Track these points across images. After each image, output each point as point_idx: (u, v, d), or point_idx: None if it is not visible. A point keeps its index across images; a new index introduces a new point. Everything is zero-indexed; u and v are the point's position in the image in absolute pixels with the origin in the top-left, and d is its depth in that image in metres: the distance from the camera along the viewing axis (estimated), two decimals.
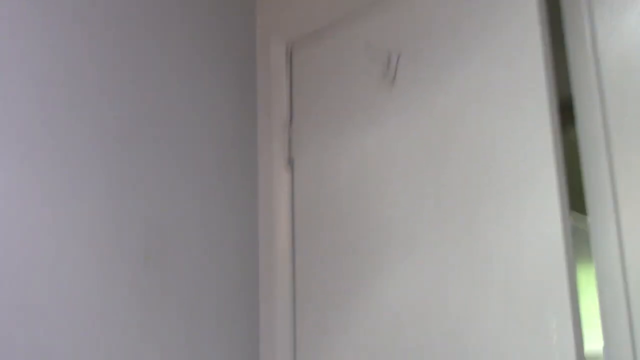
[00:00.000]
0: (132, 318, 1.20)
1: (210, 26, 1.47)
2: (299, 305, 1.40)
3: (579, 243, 1.43)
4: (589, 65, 1.13)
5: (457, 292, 1.16)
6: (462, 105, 1.21)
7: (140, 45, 1.32)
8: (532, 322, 1.05)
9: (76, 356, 1.11)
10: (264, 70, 1.56)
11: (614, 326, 1.06)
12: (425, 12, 1.29)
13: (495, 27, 1.19)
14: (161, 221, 1.29)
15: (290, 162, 1.47)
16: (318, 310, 1.36)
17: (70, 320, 1.11)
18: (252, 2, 1.59)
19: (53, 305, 1.09)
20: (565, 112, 1.16)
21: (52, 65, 1.16)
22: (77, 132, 1.18)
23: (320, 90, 1.46)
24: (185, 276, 1.31)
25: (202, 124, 1.41)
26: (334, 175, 1.39)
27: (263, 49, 1.57)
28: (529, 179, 1.10)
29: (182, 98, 1.38)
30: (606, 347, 1.06)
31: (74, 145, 1.18)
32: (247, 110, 1.54)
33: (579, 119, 1.14)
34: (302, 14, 1.51)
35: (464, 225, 1.17)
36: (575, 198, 1.16)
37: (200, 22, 1.45)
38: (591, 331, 1.27)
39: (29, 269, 1.07)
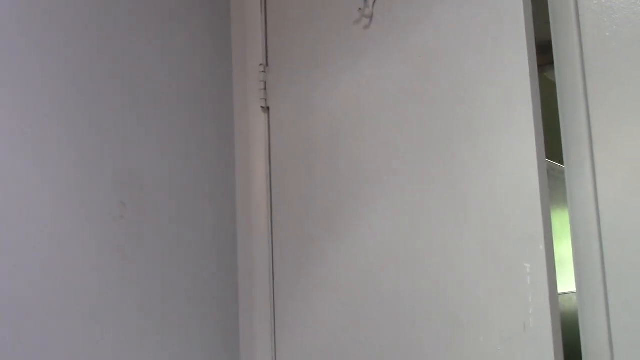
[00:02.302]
0: (106, 267, 1.19)
1: None
2: (277, 251, 1.40)
3: (554, 189, 1.44)
4: (568, 6, 1.12)
5: (434, 235, 1.16)
6: (440, 46, 1.19)
7: None
8: (507, 265, 1.07)
9: (49, 305, 1.10)
10: (238, 14, 1.52)
11: (586, 269, 1.07)
12: None
13: None
14: (136, 170, 1.26)
15: (267, 107, 1.45)
16: (295, 255, 1.37)
17: (43, 270, 1.09)
18: None
19: (24, 255, 1.07)
20: (544, 55, 1.16)
21: (18, 2, 1.12)
22: (48, 82, 1.14)
23: (296, 34, 1.43)
24: (161, 225, 1.29)
25: (176, 71, 1.38)
26: (310, 119, 1.37)
27: None
28: (506, 122, 1.10)
29: (155, 44, 1.34)
30: (579, 289, 1.08)
31: (45, 94, 1.14)
32: (222, 56, 1.50)
33: (557, 61, 1.13)
34: None
35: (441, 169, 1.17)
36: (551, 146, 1.16)
37: None
38: (564, 274, 1.30)
39: None
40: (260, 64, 1.47)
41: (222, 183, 1.45)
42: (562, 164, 1.13)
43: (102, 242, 1.19)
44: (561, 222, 1.32)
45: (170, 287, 1.29)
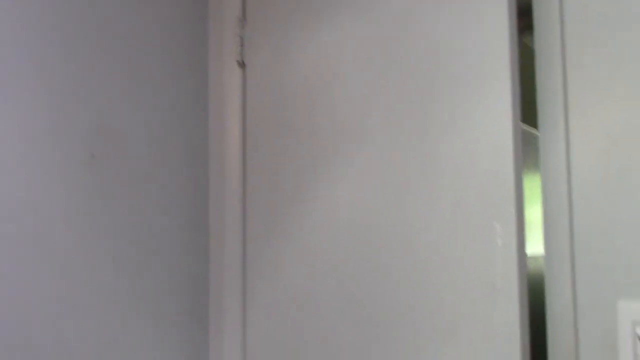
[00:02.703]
0: (76, 219, 1.17)
1: None
2: (249, 206, 1.40)
3: (527, 153, 1.45)
4: None
5: (407, 194, 1.17)
6: (419, 5, 1.18)
7: None
8: (478, 226, 1.08)
9: (19, 255, 1.08)
10: None
11: (555, 233, 1.09)
12: None
13: None
14: (107, 123, 1.24)
15: (242, 62, 1.43)
16: (268, 213, 1.37)
17: (11, 221, 1.08)
18: None
19: None
20: (524, 18, 1.15)
21: None
22: (21, 34, 1.11)
23: None
24: (132, 178, 1.28)
25: (150, 24, 1.35)
26: (287, 76, 1.36)
27: None
28: (484, 83, 1.10)
29: None
30: (547, 251, 1.10)
31: (19, 46, 1.10)
32: (198, 9, 1.47)
33: (536, 25, 1.13)
34: None
35: (416, 128, 1.17)
36: (526, 110, 1.16)
37: None
38: (533, 237, 1.32)
39: None
40: (238, 18, 1.44)
41: (195, 138, 1.43)
42: (537, 129, 1.14)
43: (72, 194, 1.17)
44: (532, 186, 1.34)
45: (141, 240, 1.28)
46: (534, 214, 1.28)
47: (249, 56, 1.42)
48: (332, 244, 1.26)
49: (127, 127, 1.28)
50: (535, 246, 1.30)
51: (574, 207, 1.08)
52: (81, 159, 1.19)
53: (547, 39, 1.11)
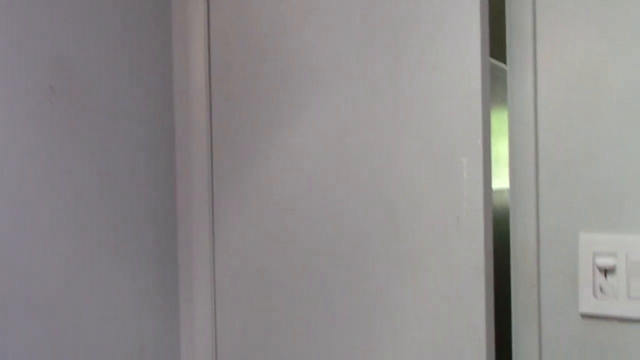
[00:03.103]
0: (37, 151, 1.14)
1: None
2: (216, 142, 1.38)
3: (495, 88, 1.45)
4: None
5: (375, 130, 1.16)
6: None
7: None
8: (445, 159, 1.08)
9: None
10: None
11: (521, 166, 1.10)
12: None
13: None
14: (66, 55, 1.19)
15: None
16: (235, 149, 1.35)
17: None
18: None
19: None
20: None
21: None
22: None
23: None
24: (94, 112, 1.24)
25: None
26: (254, 13, 1.32)
27: None
28: (453, 19, 1.08)
29: None
30: (512, 185, 1.11)
31: None
32: None
33: None
34: None
35: (384, 63, 1.15)
36: (495, 45, 1.15)
37: None
38: (499, 172, 1.33)
39: None
40: None
41: (158, 73, 1.39)
42: (505, 64, 1.14)
43: (32, 127, 1.14)
44: (499, 121, 1.34)
45: (105, 177, 1.26)
46: (500, 148, 1.29)
47: None
48: (301, 183, 1.26)
49: (87, 58, 1.23)
50: (501, 180, 1.31)
51: (540, 141, 1.08)
52: (40, 91, 1.15)
53: None
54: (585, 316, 1.05)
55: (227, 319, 1.38)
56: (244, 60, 1.34)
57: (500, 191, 1.30)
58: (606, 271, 1.03)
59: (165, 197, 1.40)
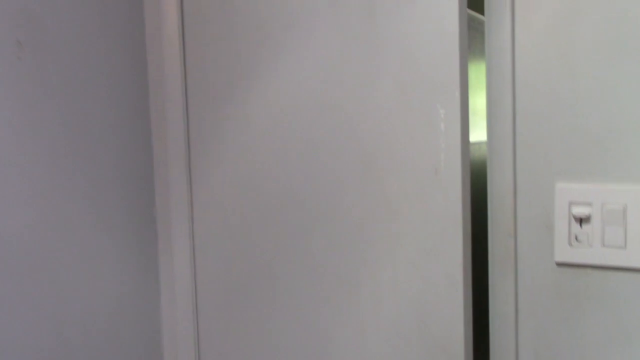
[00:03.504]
0: (6, 109, 1.11)
1: None
2: (191, 91, 1.35)
3: (473, 40, 1.44)
4: None
5: (351, 80, 1.14)
6: None
7: None
8: (422, 110, 1.07)
9: None
10: None
11: (498, 117, 1.09)
12: None
13: None
14: (35, 10, 1.15)
15: None
16: (210, 96, 1.33)
17: None
18: None
19: None
20: None
21: None
22: None
23: None
24: (65, 66, 1.21)
25: None
26: None
27: None
28: None
29: None
30: (489, 137, 1.11)
31: None
32: None
33: None
34: None
35: (361, 13, 1.13)
36: None
37: None
38: (477, 125, 1.33)
39: None
40: None
41: (129, 25, 1.35)
42: (483, 15, 1.12)
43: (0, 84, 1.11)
44: (477, 74, 1.34)
45: (77, 133, 1.24)
46: (478, 102, 1.28)
47: None
48: (277, 132, 1.25)
49: (55, 11, 1.19)
50: (479, 134, 1.31)
51: (517, 92, 1.08)
52: (7, 47, 1.11)
53: None
54: (560, 264, 1.06)
55: (207, 270, 1.38)
56: (217, 8, 1.31)
57: (478, 144, 1.30)
58: (581, 220, 1.04)
59: (140, 151, 1.38)
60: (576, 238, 1.04)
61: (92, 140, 1.27)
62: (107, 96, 1.30)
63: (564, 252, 1.06)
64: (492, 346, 1.13)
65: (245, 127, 1.29)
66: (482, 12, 1.13)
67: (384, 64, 1.11)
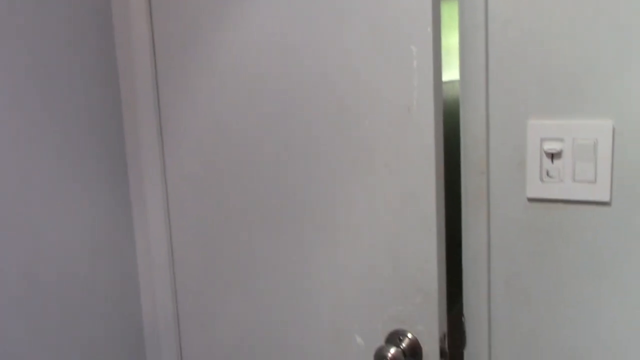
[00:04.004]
0: None
1: None
2: (159, 46, 1.32)
3: None
4: None
5: (322, 19, 1.12)
6: None
7: None
8: (394, 48, 1.05)
9: None
10: None
11: (471, 55, 1.09)
12: None
13: None
14: None
15: None
16: (179, 41, 1.30)
17: None
18: None
19: None
20: None
21: None
22: None
23: None
24: (28, 10, 1.17)
25: None
26: None
27: None
28: None
29: None
30: (462, 74, 1.10)
31: None
32: None
33: None
34: None
35: None
36: None
37: None
38: (450, 65, 1.32)
39: None
40: None
41: None
42: None
43: None
44: (450, 13, 1.32)
45: (43, 80, 1.20)
46: (451, 41, 1.27)
47: None
48: (248, 77, 1.23)
49: None
50: (452, 73, 1.30)
51: (490, 29, 1.07)
52: None
53: None
54: (532, 200, 1.07)
55: (181, 211, 1.38)
56: None
57: (451, 82, 1.30)
58: (553, 156, 1.05)
59: (108, 98, 1.35)
60: (547, 174, 1.05)
61: (59, 87, 1.24)
62: (72, 42, 1.26)
63: (535, 188, 1.07)
64: (465, 282, 1.15)
65: (215, 73, 1.26)
66: None
67: (353, 1, 1.09)
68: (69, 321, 1.28)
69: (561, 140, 1.04)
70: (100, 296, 1.36)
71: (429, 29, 1.02)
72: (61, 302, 1.26)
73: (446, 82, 1.13)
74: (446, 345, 1.14)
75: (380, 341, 1.17)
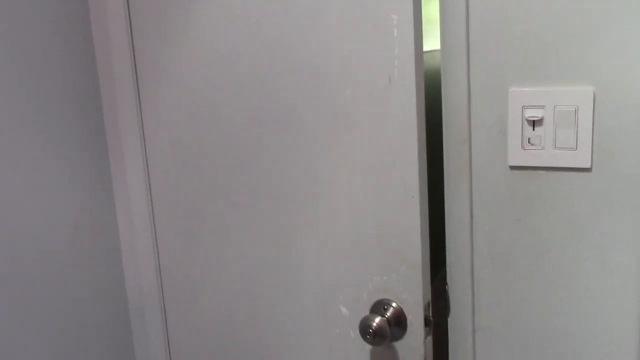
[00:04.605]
0: None
1: None
2: (134, 16, 1.30)
3: None
4: None
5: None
6: None
7: None
8: (374, 17, 1.04)
9: None
10: None
11: (451, 24, 1.08)
12: None
13: None
14: None
15: None
16: (158, 21, 1.28)
17: None
18: None
19: None
20: None
21: None
22: None
23: None
24: None
25: None
26: None
27: None
28: None
29: None
30: (443, 43, 1.10)
31: None
32: None
33: None
34: None
35: None
36: None
37: None
38: (431, 33, 1.32)
39: None
40: None
41: None
42: None
43: None
44: None
45: (18, 56, 1.18)
46: (432, 10, 1.26)
47: None
48: (226, 47, 1.21)
49: None
50: (433, 42, 1.30)
51: (471, 2, 1.06)
52: None
53: None
54: (514, 168, 1.08)
55: (161, 181, 1.37)
56: None
57: (432, 52, 1.29)
58: (534, 123, 1.05)
59: (84, 70, 1.33)
60: (529, 141, 1.06)
61: (33, 59, 1.21)
62: (47, 14, 1.23)
63: (517, 156, 1.07)
64: (449, 250, 1.16)
65: (189, 39, 1.24)
66: None
67: None
68: (52, 297, 1.28)
69: (542, 107, 1.04)
70: (83, 270, 1.35)
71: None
72: (43, 278, 1.26)
73: (427, 52, 1.12)
74: (430, 314, 1.15)
75: (365, 311, 1.18)
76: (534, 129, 1.05)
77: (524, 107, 1.05)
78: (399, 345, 1.16)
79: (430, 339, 1.16)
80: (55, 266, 1.28)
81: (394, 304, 1.15)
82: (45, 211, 1.26)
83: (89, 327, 1.37)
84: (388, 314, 1.14)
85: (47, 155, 1.25)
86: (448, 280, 1.17)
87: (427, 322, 1.14)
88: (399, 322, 1.15)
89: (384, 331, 1.12)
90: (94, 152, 1.37)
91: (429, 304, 1.15)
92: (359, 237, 1.16)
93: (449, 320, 1.19)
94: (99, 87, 1.37)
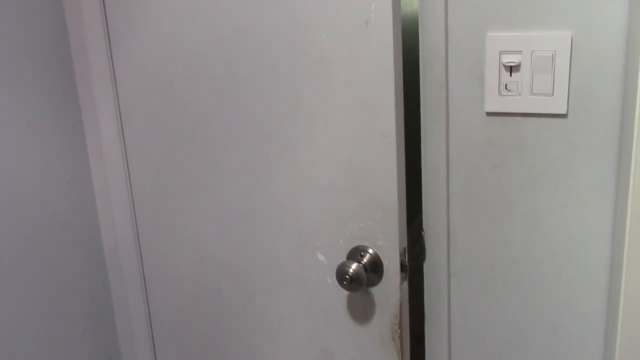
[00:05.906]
0: None
1: None
2: None
3: None
4: None
5: None
6: None
7: None
8: None
9: None
10: None
11: None
12: None
13: None
14: None
15: None
16: None
17: None
18: None
19: None
20: None
21: None
22: None
23: None
24: None
25: None
26: None
27: None
28: None
29: None
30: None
31: None
32: None
33: None
34: None
35: None
36: None
37: None
38: None
39: None
40: None
41: None
42: None
43: None
44: None
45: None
46: None
47: None
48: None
49: None
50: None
51: None
52: None
53: None
54: (490, 114, 1.07)
55: (135, 137, 1.35)
56: None
57: None
58: (512, 69, 1.04)
59: (52, 11, 1.29)
60: (506, 87, 1.05)
61: (2, 14, 1.17)
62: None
63: (494, 102, 1.06)
64: (425, 196, 1.16)
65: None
66: None
67: None
68: (27, 249, 1.26)
69: (520, 52, 1.03)
70: (58, 225, 1.34)
71: None
72: (17, 235, 1.24)
73: None
74: (406, 259, 1.16)
75: (342, 257, 1.18)
76: (511, 75, 1.04)
77: (501, 53, 1.04)
78: (375, 290, 1.18)
79: (406, 284, 1.17)
80: (29, 218, 1.27)
81: (370, 250, 1.16)
82: (16, 163, 1.23)
83: (66, 278, 1.37)
84: (364, 260, 1.15)
85: (15, 105, 1.22)
86: (424, 226, 1.18)
87: (403, 268, 1.16)
88: (375, 268, 1.16)
89: (361, 277, 1.13)
90: (65, 100, 1.34)
91: (405, 250, 1.16)
92: (335, 183, 1.15)
93: (425, 265, 1.20)
94: (69, 38, 1.33)
